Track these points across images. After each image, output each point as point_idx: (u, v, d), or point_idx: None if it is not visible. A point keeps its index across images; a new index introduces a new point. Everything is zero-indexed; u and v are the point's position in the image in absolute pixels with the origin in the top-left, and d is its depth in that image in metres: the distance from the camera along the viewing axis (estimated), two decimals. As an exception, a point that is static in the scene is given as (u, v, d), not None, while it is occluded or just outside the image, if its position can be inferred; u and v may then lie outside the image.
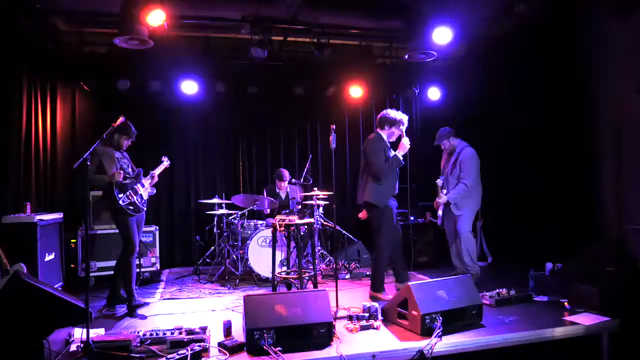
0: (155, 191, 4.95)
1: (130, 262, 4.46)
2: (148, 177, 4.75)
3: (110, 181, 4.36)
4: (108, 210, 4.68)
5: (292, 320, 3.30)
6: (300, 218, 4.56)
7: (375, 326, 3.67)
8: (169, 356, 3.05)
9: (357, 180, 4.92)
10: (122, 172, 4.41)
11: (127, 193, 4.45)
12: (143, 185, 4.66)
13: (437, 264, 6.34)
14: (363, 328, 3.62)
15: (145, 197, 4.68)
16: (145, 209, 4.63)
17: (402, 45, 6.71)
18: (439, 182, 5.19)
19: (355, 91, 7.27)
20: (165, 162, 5.15)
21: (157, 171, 4.89)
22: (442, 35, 5.49)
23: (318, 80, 7.23)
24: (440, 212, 5.29)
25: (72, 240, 5.76)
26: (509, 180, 5.28)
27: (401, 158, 4.60)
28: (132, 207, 4.46)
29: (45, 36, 6.00)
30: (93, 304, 4.62)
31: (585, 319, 3.69)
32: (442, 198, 5.12)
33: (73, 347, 3.28)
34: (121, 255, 4.51)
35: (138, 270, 5.58)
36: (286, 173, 6.44)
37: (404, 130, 4.72)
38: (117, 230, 4.54)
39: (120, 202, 4.38)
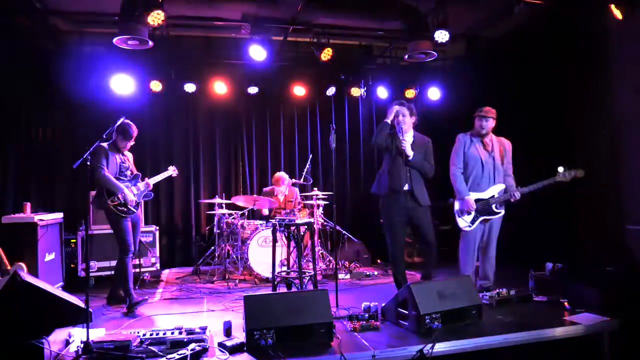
0: (152, 195, 4.97)
1: (126, 262, 4.48)
2: (144, 182, 4.77)
3: (121, 192, 4.43)
4: (98, 208, 4.72)
5: (292, 320, 3.29)
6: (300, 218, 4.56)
7: (375, 326, 3.67)
8: (169, 356, 3.05)
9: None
10: (133, 199, 4.51)
11: (118, 194, 4.46)
12: (139, 189, 4.67)
13: (437, 264, 6.32)
14: (363, 328, 3.62)
15: (139, 200, 4.68)
16: (136, 211, 4.63)
17: (402, 45, 6.72)
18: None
19: (355, 91, 7.28)
20: (171, 171, 5.15)
21: (155, 179, 4.91)
22: (442, 35, 5.49)
23: (318, 80, 7.23)
24: (471, 215, 4.53)
25: (72, 240, 5.76)
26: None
27: (387, 121, 4.26)
28: (120, 209, 4.47)
29: (45, 36, 6.00)
30: (93, 304, 4.61)
31: (585, 319, 3.68)
32: (517, 194, 4.46)
33: (73, 347, 3.28)
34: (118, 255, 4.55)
35: (138, 270, 5.58)
36: (285, 179, 6.36)
37: (400, 116, 4.35)
38: None
39: (109, 202, 4.41)
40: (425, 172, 4.40)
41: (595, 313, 3.78)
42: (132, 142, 4.66)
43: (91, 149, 3.51)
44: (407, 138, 4.34)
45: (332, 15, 6.05)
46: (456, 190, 4.58)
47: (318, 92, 7.35)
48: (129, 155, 4.81)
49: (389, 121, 4.28)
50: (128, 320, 4.18)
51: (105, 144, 4.48)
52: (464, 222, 4.56)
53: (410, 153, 4.28)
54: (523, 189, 4.50)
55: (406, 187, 4.29)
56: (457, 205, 4.62)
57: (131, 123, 4.55)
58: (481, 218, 4.54)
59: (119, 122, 4.27)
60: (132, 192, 4.56)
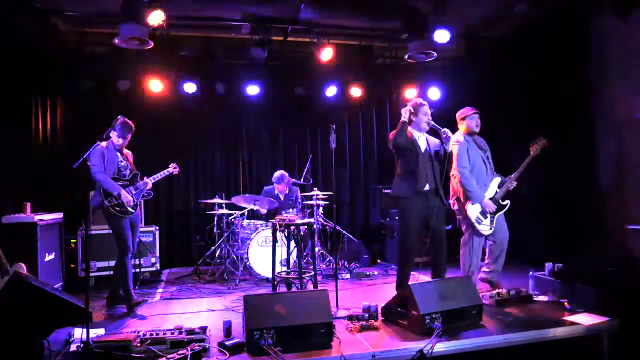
0: (152, 194, 4.93)
1: (125, 262, 4.47)
2: (143, 181, 4.70)
3: (117, 193, 4.39)
4: (96, 208, 4.71)
5: (292, 320, 3.29)
6: (300, 218, 4.55)
7: (375, 326, 3.67)
8: (169, 356, 3.05)
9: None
10: (130, 200, 4.46)
11: (115, 195, 4.40)
12: (137, 188, 4.61)
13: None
14: (363, 328, 3.62)
15: (137, 200, 4.61)
16: (133, 211, 4.55)
17: (402, 45, 6.71)
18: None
19: (355, 91, 7.28)
20: (171, 169, 5.07)
21: (155, 178, 4.83)
22: (442, 35, 5.49)
23: (318, 80, 7.23)
24: (487, 213, 4.56)
25: (72, 240, 5.76)
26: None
27: (405, 120, 4.31)
28: (117, 209, 4.42)
29: (46, 36, 6.00)
30: (93, 304, 4.61)
31: (585, 319, 3.68)
32: (514, 182, 4.61)
33: (73, 347, 3.28)
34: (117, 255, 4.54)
35: (138, 270, 5.58)
36: (285, 176, 6.35)
37: (429, 115, 4.44)
38: None
39: (106, 202, 4.38)
40: (450, 167, 4.45)
41: (595, 313, 3.78)
42: (127, 140, 4.59)
43: (91, 149, 3.51)
44: (447, 131, 4.35)
45: (332, 15, 6.05)
46: (472, 194, 4.53)
47: (318, 92, 7.34)
48: (129, 153, 4.78)
49: (406, 119, 4.33)
50: (128, 320, 4.19)
51: (103, 143, 4.46)
52: (485, 226, 4.57)
53: (449, 147, 4.33)
54: (513, 176, 4.65)
55: (427, 187, 4.32)
56: (474, 212, 4.55)
57: (127, 120, 4.50)
58: (496, 216, 4.61)
59: (118, 122, 4.26)
60: (129, 192, 4.53)
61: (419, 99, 4.61)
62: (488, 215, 4.57)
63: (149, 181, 4.75)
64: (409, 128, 4.43)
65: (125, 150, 4.73)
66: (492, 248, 4.73)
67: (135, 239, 4.72)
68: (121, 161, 4.60)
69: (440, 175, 4.42)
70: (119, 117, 4.19)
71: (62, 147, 6.45)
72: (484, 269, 4.73)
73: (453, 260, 5.01)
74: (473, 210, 4.56)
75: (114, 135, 4.50)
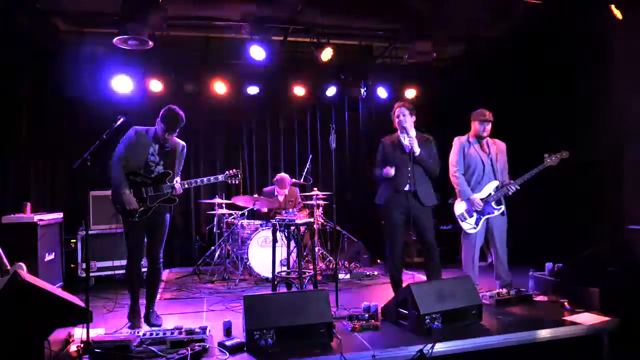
0: (176, 201, 4.03)
1: (129, 267, 4.10)
2: (171, 184, 3.96)
3: (122, 191, 3.81)
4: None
5: (292, 320, 3.30)
6: (300, 218, 4.55)
7: (375, 326, 3.67)
8: (169, 356, 3.05)
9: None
10: (133, 206, 3.81)
11: (122, 191, 3.81)
12: (158, 190, 3.93)
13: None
14: (363, 328, 3.62)
15: (151, 205, 3.91)
16: (136, 218, 3.87)
17: (402, 45, 6.71)
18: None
19: (355, 91, 7.27)
20: (228, 176, 4.36)
21: (190, 183, 4.10)
22: (441, 35, 5.49)
23: (318, 80, 7.23)
24: (472, 213, 4.56)
25: (72, 240, 5.76)
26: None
27: (380, 172, 4.31)
28: (119, 208, 3.88)
29: (46, 36, 6.00)
30: (93, 304, 4.61)
31: (585, 319, 3.69)
32: (512, 187, 4.52)
33: (73, 347, 3.28)
34: None
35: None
36: (287, 180, 6.33)
37: (401, 116, 4.34)
38: (117, 231, 4.25)
39: (110, 197, 3.95)
40: (432, 169, 4.37)
41: (595, 313, 3.79)
42: (172, 134, 3.98)
43: (91, 149, 3.49)
44: (412, 135, 4.32)
45: (332, 15, 6.05)
46: (460, 192, 4.60)
47: (318, 92, 7.34)
48: (178, 145, 4.09)
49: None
50: (128, 320, 4.18)
51: (141, 129, 3.95)
52: (468, 224, 4.57)
53: (417, 150, 4.25)
54: (517, 181, 4.58)
55: (407, 188, 4.27)
56: (459, 209, 4.61)
57: (177, 111, 3.96)
58: (484, 218, 4.57)
59: (119, 122, 4.00)
60: (145, 193, 3.90)
61: (399, 102, 4.57)
62: (474, 214, 4.55)
63: (178, 186, 3.97)
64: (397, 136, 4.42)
65: (174, 142, 4.07)
66: (492, 251, 4.72)
67: (155, 246, 4.04)
68: (153, 155, 3.95)
69: (424, 175, 4.34)
70: (119, 117, 3.97)
71: (62, 146, 6.44)
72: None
73: (453, 260, 5.01)
74: (459, 207, 4.61)
75: (159, 126, 3.92)
